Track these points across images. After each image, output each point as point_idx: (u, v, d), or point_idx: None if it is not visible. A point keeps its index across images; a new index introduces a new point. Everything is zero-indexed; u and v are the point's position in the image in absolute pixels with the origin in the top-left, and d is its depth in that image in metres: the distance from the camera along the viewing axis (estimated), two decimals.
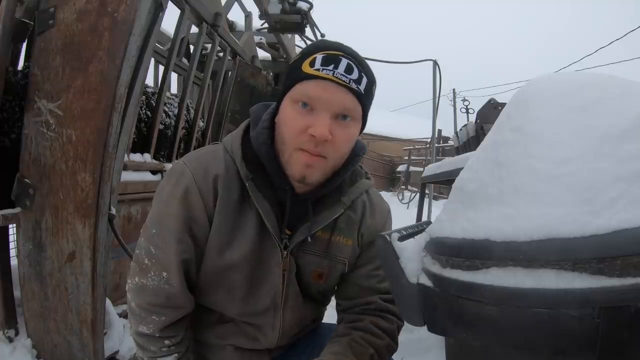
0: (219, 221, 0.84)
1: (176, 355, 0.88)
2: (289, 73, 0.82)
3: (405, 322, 0.92)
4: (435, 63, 4.80)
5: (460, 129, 5.06)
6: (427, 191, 3.90)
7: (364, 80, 0.79)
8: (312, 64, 0.77)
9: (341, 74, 0.76)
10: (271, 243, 0.87)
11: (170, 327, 0.87)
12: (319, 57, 0.77)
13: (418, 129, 19.99)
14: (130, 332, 0.90)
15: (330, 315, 1.07)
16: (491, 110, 4.06)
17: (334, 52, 0.77)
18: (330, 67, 0.76)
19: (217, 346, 0.96)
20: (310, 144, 0.77)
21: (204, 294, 0.91)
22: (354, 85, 0.77)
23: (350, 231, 0.93)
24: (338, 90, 0.76)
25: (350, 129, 0.80)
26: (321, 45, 0.80)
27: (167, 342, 0.87)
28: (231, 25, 3.81)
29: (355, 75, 0.77)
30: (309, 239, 0.88)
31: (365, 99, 0.80)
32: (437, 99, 4.75)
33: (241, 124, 0.91)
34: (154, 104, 2.37)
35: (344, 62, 0.76)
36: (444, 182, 2.31)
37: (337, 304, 1.01)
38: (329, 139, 0.76)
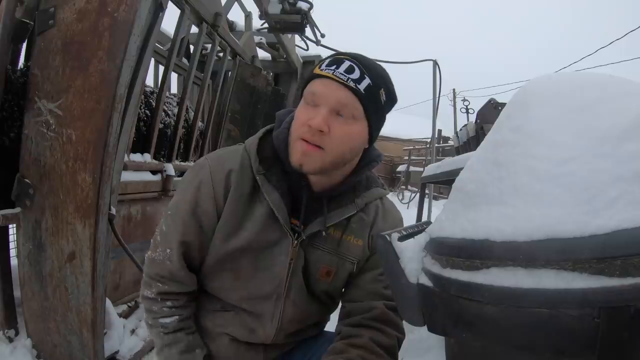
0: (229, 211, 0.90)
1: (177, 317, 0.93)
2: (306, 78, 0.90)
3: (405, 322, 0.92)
4: (435, 63, 4.81)
5: (460, 129, 5.06)
6: (427, 191, 3.90)
7: (366, 81, 0.83)
8: (320, 66, 0.86)
9: (341, 73, 0.82)
10: (281, 232, 0.91)
11: (172, 293, 0.94)
12: (327, 60, 0.86)
13: (418, 129, 19.99)
14: (140, 297, 0.98)
15: (333, 319, 1.07)
16: (491, 110, 4.05)
17: (340, 56, 0.85)
18: (333, 67, 0.83)
19: (214, 334, 0.98)
20: (309, 134, 0.83)
21: (209, 278, 0.96)
22: (351, 84, 0.82)
23: (362, 232, 0.96)
24: (336, 87, 0.83)
25: (348, 126, 0.84)
26: (335, 53, 0.89)
27: (168, 303, 0.93)
28: (231, 25, 3.80)
29: (355, 75, 0.83)
30: (324, 233, 0.92)
31: (365, 98, 0.84)
32: (437, 99, 4.75)
33: (264, 128, 0.98)
34: (152, 103, 2.37)
35: (346, 63, 0.83)
36: (444, 182, 2.31)
37: (341, 307, 1.01)
38: (323, 129, 0.81)
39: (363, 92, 0.83)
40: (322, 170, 0.87)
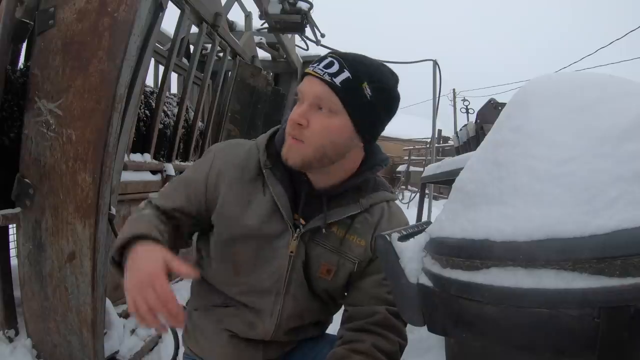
0: (230, 197, 0.94)
1: (155, 211, 0.95)
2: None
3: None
4: (435, 63, 4.80)
5: (460, 129, 5.05)
6: (427, 191, 3.90)
7: (344, 74, 0.85)
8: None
9: (319, 69, 0.86)
10: (283, 225, 0.93)
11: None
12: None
13: (418, 129, 19.99)
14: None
15: (335, 322, 1.06)
16: (491, 110, 4.05)
17: (327, 55, 0.89)
18: (315, 65, 0.87)
19: (213, 331, 0.98)
20: (290, 128, 0.87)
21: (213, 267, 0.98)
22: (327, 77, 0.85)
23: (365, 232, 0.96)
24: (314, 82, 0.86)
25: (327, 119, 0.86)
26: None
27: (154, 206, 0.97)
28: (231, 25, 3.80)
29: (333, 69, 0.85)
30: (324, 230, 0.93)
31: (341, 91, 0.85)
32: (437, 99, 4.75)
33: (276, 127, 1.03)
34: (152, 103, 2.37)
35: (327, 60, 0.87)
36: (444, 182, 2.31)
37: (344, 311, 1.01)
38: (300, 122, 0.85)
39: (339, 85, 0.84)
40: (304, 163, 0.88)
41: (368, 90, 0.86)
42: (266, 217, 0.92)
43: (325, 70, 0.85)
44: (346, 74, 0.85)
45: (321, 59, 0.88)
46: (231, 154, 0.97)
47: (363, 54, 0.92)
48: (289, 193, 0.93)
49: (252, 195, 0.94)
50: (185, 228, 0.99)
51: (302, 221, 0.94)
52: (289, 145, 0.88)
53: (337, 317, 1.06)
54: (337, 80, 0.85)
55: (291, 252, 0.93)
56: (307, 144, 0.86)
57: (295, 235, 0.92)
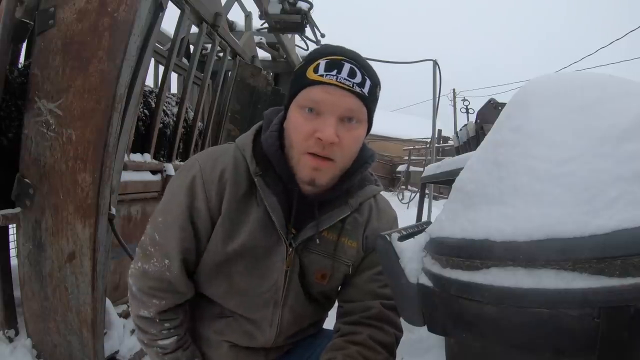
0: (225, 214, 0.86)
1: (175, 337, 0.91)
2: (294, 80, 0.84)
3: (405, 322, 0.92)
4: (435, 63, 4.80)
5: (460, 129, 5.04)
6: (427, 191, 3.89)
7: (368, 83, 0.80)
8: (315, 70, 0.79)
9: (344, 79, 0.78)
10: (276, 238, 0.88)
11: (170, 311, 0.90)
12: (322, 62, 0.79)
13: (418, 129, 19.99)
14: (131, 315, 0.93)
15: (331, 316, 1.06)
16: (491, 110, 4.04)
17: (336, 57, 0.79)
18: (334, 72, 0.78)
19: (213, 342, 0.97)
20: (318, 147, 0.79)
21: (207, 284, 0.93)
22: (357, 89, 0.79)
23: (356, 233, 0.94)
24: (342, 94, 0.78)
25: (356, 130, 0.82)
26: (324, 51, 0.82)
27: (167, 324, 0.90)
28: (231, 25, 3.80)
29: (358, 78, 0.79)
30: (317, 241, 0.90)
31: (369, 101, 0.82)
32: (437, 99, 4.75)
33: (254, 126, 0.94)
34: (150, 102, 2.37)
35: (346, 67, 0.78)
36: (444, 182, 2.31)
37: (339, 307, 1.00)
38: (335, 141, 0.78)
39: (367, 95, 0.80)
40: (332, 181, 0.85)
41: (378, 92, 0.85)
42: (260, 230, 0.87)
43: (352, 81, 0.78)
44: (369, 82, 0.80)
45: (336, 65, 0.78)
46: (218, 165, 0.87)
47: (356, 50, 0.85)
48: (283, 203, 0.86)
49: (245, 210, 0.87)
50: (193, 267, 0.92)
51: (294, 230, 0.89)
52: (316, 166, 0.79)
53: (332, 311, 1.06)
54: (365, 90, 0.79)
55: (287, 266, 0.89)
56: (338, 161, 0.81)
57: (291, 250, 0.88)
